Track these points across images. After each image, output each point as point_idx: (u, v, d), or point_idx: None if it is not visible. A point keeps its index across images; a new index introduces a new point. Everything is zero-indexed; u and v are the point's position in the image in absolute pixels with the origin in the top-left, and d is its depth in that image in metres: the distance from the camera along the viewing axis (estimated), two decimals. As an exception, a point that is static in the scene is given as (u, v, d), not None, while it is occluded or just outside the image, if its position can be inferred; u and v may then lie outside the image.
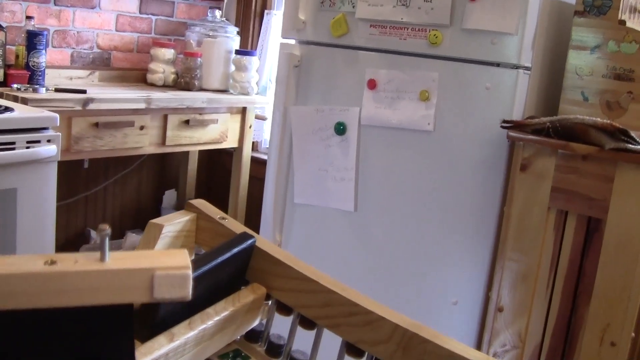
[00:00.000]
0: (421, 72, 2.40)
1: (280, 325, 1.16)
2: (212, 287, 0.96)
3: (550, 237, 2.10)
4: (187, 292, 0.69)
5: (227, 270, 0.98)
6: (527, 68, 2.29)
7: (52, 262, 0.67)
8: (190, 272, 0.69)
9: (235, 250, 0.97)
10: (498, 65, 2.29)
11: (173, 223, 1.07)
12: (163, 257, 0.71)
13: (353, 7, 2.51)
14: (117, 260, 0.69)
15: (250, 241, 1.02)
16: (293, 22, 2.63)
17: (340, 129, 2.54)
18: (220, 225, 1.09)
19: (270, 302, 1.12)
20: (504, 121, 2.19)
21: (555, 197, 2.08)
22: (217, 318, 0.96)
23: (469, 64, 2.33)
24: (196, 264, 0.91)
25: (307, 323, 1.10)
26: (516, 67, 2.27)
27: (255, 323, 1.11)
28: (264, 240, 1.07)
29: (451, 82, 2.36)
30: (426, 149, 2.41)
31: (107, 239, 0.68)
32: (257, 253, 1.05)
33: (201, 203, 1.14)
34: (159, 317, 0.86)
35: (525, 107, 2.33)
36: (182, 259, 0.70)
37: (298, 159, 2.64)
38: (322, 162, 2.60)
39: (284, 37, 2.71)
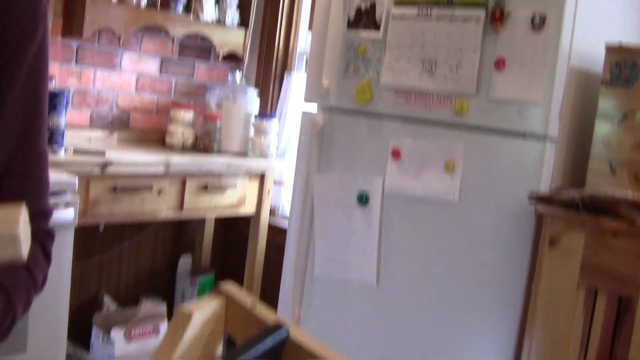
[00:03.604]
0: (446, 142, 2.36)
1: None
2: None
3: (579, 317, 2.03)
4: (20, 252, 0.61)
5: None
6: (554, 139, 2.25)
7: None
8: (19, 229, 0.61)
9: (269, 345, 0.91)
10: (524, 135, 2.25)
11: (202, 311, 1.01)
12: None
13: (378, 74, 2.49)
14: None
15: (283, 333, 0.97)
16: (316, 88, 2.61)
17: (363, 198, 2.49)
18: (251, 314, 1.04)
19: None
20: (532, 194, 2.14)
21: (585, 274, 2.02)
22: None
23: (495, 134, 2.30)
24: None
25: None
26: (543, 137, 2.23)
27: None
28: (298, 331, 1.01)
29: (477, 152, 2.32)
30: (451, 220, 2.36)
31: None
32: (290, 344, 0.99)
33: (231, 288, 1.09)
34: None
35: (552, 178, 2.28)
36: (12, 214, 0.61)
37: (319, 229, 2.59)
38: (344, 232, 2.54)
39: (306, 102, 2.69)
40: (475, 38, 2.27)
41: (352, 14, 2.55)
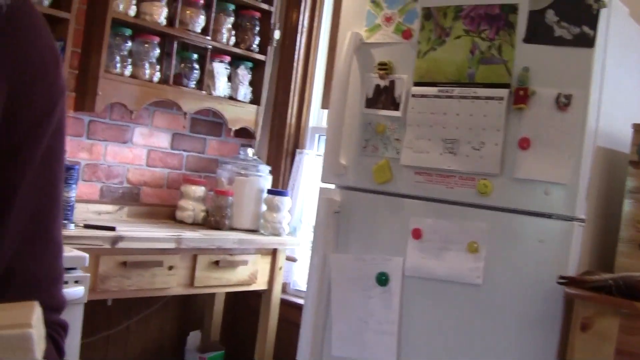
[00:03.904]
0: (469, 222, 2.30)
1: None
2: None
3: (614, 406, 1.94)
4: (33, 356, 0.53)
5: None
6: (581, 220, 2.20)
7: None
8: (32, 330, 0.53)
9: None
10: (550, 216, 2.20)
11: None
12: None
13: (397, 153, 2.45)
14: None
15: None
16: (333, 167, 2.56)
17: (383, 279, 2.43)
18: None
19: None
20: (561, 277, 2.08)
21: (619, 360, 1.94)
22: None
23: (520, 214, 2.24)
24: None
25: None
26: (570, 218, 2.17)
27: None
28: None
29: (501, 233, 2.26)
30: (474, 303, 2.29)
31: None
32: None
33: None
34: None
35: (579, 260, 2.22)
36: (24, 314, 0.54)
37: (337, 309, 2.52)
38: (362, 313, 2.47)
39: (323, 181, 2.64)
40: (499, 117, 2.24)
41: (371, 92, 2.52)
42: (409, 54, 2.46)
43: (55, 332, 0.92)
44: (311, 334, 2.57)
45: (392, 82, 2.47)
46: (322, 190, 2.62)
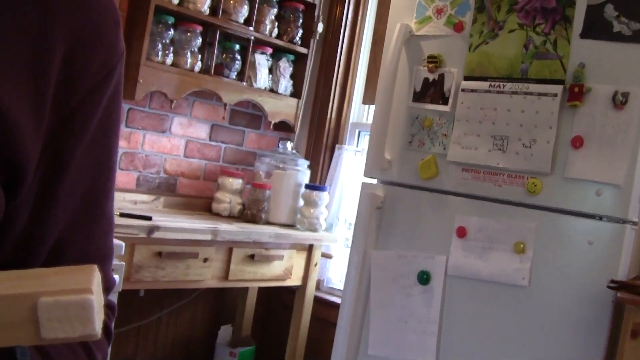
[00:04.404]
0: (517, 222, 2.23)
1: None
2: None
3: (665, 417, 1.86)
4: (93, 327, 0.47)
5: None
6: (634, 223, 2.12)
7: None
8: (92, 297, 0.46)
9: None
10: (601, 218, 2.12)
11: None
12: (55, 276, 0.48)
13: (444, 148, 2.38)
14: None
15: None
16: (377, 161, 2.50)
17: (424, 278, 2.36)
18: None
19: None
20: (612, 281, 2.00)
21: (671, 370, 1.86)
22: None
23: (570, 215, 2.17)
24: None
25: None
26: (622, 221, 2.09)
27: None
28: None
29: (550, 234, 2.19)
30: (520, 305, 2.21)
31: None
32: None
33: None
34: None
35: (630, 264, 2.14)
36: (84, 279, 0.47)
37: (375, 307, 2.46)
38: (401, 312, 2.40)
39: (366, 176, 2.58)
40: (552, 114, 2.16)
41: (419, 86, 2.46)
42: (460, 47, 2.39)
43: (107, 313, 0.87)
44: (348, 331, 2.51)
45: (442, 76, 2.41)
46: (364, 185, 2.56)
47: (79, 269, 0.49)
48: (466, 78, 2.36)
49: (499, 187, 2.27)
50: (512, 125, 2.24)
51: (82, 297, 0.46)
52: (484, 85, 2.30)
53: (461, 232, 2.31)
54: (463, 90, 2.35)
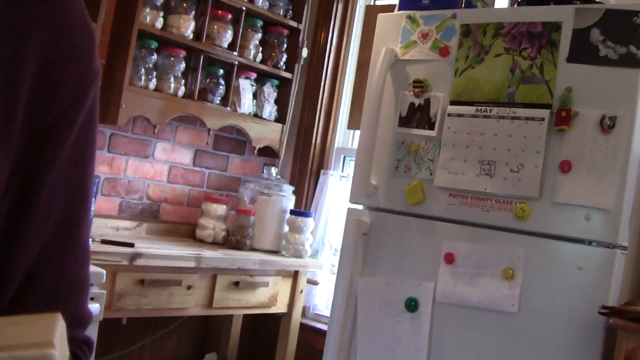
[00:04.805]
0: (505, 247, 2.20)
1: None
2: None
3: None
4: None
5: None
6: (624, 247, 2.10)
7: None
8: (55, 352, 0.42)
9: None
10: (591, 243, 2.10)
11: None
12: (11, 326, 0.43)
13: (431, 174, 2.36)
14: None
15: None
16: (363, 187, 2.47)
17: (412, 305, 2.33)
18: None
19: None
20: (603, 307, 1.97)
21: (664, 398, 1.83)
22: None
23: (559, 240, 2.14)
24: None
25: None
26: (612, 246, 2.07)
27: None
28: None
29: (539, 259, 2.16)
30: (509, 332, 2.18)
31: None
32: None
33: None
34: None
35: (620, 290, 2.12)
36: (46, 331, 0.43)
37: (363, 334, 2.42)
38: (389, 340, 2.36)
39: (352, 202, 2.55)
40: (540, 138, 2.15)
41: (405, 110, 2.44)
42: (446, 71, 2.38)
43: (80, 349, 0.81)
44: (335, 359, 2.47)
45: (427, 101, 2.39)
46: (350, 211, 2.53)
47: (40, 317, 0.45)
48: (452, 102, 2.34)
49: (487, 212, 2.25)
50: (500, 150, 2.22)
51: (43, 352, 0.41)
52: (471, 109, 2.28)
53: (449, 258, 2.28)
54: (449, 114, 2.33)
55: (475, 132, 2.27)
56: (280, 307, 3.43)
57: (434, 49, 2.41)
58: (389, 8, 3.22)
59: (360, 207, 2.55)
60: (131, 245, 2.89)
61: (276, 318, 3.61)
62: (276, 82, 3.84)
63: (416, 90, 2.40)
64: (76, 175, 0.78)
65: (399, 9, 2.61)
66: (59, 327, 0.48)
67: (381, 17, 2.60)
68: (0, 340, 0.41)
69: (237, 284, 3.19)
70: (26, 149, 0.71)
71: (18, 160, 0.70)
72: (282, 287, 3.42)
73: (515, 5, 2.55)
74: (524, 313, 2.16)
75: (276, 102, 3.85)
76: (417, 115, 2.41)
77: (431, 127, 2.37)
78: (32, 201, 0.73)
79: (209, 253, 3.11)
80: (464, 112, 2.30)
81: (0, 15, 0.69)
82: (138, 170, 3.50)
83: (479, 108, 2.27)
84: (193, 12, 3.38)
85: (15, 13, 0.70)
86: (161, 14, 3.30)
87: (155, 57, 3.31)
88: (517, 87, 2.22)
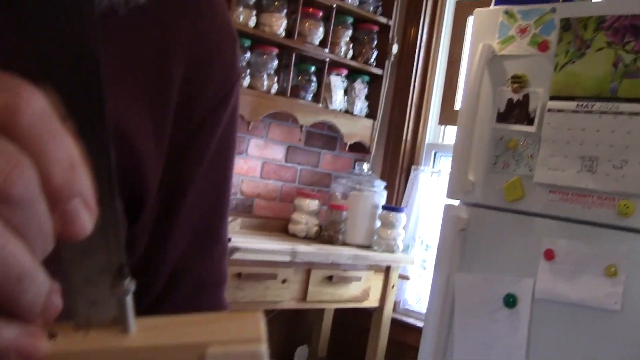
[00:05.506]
0: (608, 245, 2.17)
1: None
2: None
3: None
4: None
5: None
6: None
7: (51, 336, 0.38)
8: (263, 347, 0.42)
9: None
10: (697, 242, 2.05)
11: None
12: (221, 323, 0.44)
13: (530, 170, 2.34)
14: (149, 330, 0.42)
15: None
16: (461, 183, 2.47)
17: (510, 301, 2.32)
18: None
19: None
20: None
21: None
22: None
23: (664, 239, 2.11)
24: None
25: None
26: None
27: None
28: None
29: (643, 258, 2.12)
30: (612, 331, 2.15)
31: (129, 298, 0.39)
32: None
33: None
34: None
35: None
36: (253, 327, 0.43)
37: (459, 332, 2.42)
38: (487, 337, 2.36)
39: (449, 197, 2.55)
40: (644, 134, 2.11)
41: (503, 106, 2.43)
42: (545, 67, 2.35)
43: None
44: (431, 357, 2.48)
45: (526, 96, 2.37)
46: (447, 207, 2.53)
47: (245, 316, 0.47)
48: (552, 98, 2.32)
49: (588, 209, 2.22)
50: (602, 146, 2.19)
51: (254, 347, 0.44)
52: (571, 105, 2.26)
53: (549, 255, 2.27)
54: (549, 110, 2.31)
55: (576, 127, 2.24)
56: (372, 302, 3.45)
57: (532, 44, 2.39)
58: (480, 4, 3.20)
59: (457, 202, 2.54)
60: (228, 239, 2.95)
61: (366, 313, 3.63)
62: (367, 78, 3.86)
63: (515, 86, 2.39)
64: (220, 172, 0.80)
65: (495, 4, 2.60)
66: (263, 325, 0.50)
67: (477, 12, 2.59)
68: (213, 335, 0.44)
69: (330, 278, 3.22)
70: (176, 149, 0.73)
71: (169, 160, 0.73)
72: (374, 282, 3.44)
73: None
74: (626, 311, 2.13)
75: (367, 98, 3.87)
76: (516, 111, 2.39)
77: (530, 122, 2.35)
78: (182, 198, 0.75)
79: (303, 248, 3.16)
80: (564, 107, 2.27)
81: (147, 15, 0.69)
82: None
83: (580, 104, 2.24)
84: (285, 11, 3.43)
85: (162, 13, 0.70)
86: (254, 12, 3.35)
87: (248, 55, 3.37)
88: (620, 81, 2.18)
